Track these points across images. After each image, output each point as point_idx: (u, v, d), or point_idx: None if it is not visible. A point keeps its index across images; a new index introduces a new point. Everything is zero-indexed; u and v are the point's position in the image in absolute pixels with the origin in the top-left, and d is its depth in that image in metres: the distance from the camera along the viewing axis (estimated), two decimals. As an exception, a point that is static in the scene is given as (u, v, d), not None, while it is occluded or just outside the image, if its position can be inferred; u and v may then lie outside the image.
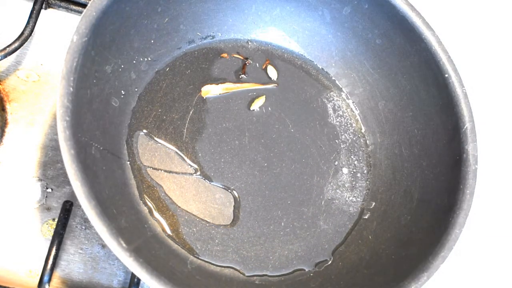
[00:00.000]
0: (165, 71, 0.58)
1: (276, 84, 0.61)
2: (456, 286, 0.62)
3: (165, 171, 0.54)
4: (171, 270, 0.47)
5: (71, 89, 0.41)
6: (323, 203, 0.57)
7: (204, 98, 0.58)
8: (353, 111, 0.63)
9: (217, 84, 0.57)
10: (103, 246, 0.52)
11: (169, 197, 0.53)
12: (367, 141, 0.62)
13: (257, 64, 0.62)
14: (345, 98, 0.64)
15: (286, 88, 0.62)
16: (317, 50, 0.64)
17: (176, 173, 0.54)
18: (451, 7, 0.77)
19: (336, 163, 0.60)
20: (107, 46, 0.48)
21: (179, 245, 0.51)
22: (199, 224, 0.53)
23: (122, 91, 0.53)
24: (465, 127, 0.52)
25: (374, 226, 0.57)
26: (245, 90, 0.60)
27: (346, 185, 0.59)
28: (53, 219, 0.52)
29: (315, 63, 0.64)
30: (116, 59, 0.51)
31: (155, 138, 0.54)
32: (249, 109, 0.59)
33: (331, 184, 0.58)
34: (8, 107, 0.55)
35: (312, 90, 0.63)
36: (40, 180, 0.53)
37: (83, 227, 0.53)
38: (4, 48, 0.53)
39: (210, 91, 0.54)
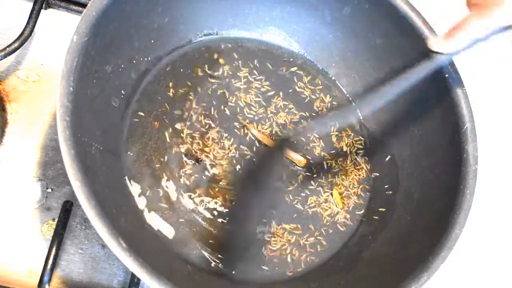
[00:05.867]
0: (165, 71, 0.58)
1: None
2: (456, 286, 0.62)
3: (166, 170, 0.54)
4: (171, 270, 0.47)
5: (71, 89, 0.41)
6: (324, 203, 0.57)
7: (204, 99, 0.58)
8: (353, 111, 0.63)
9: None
10: (103, 246, 0.52)
11: (169, 196, 0.53)
12: (368, 141, 0.62)
13: (256, 62, 0.62)
14: (345, 98, 0.64)
15: (286, 88, 0.62)
16: (317, 50, 0.64)
17: (176, 172, 0.54)
18: (451, 7, 0.77)
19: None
20: (107, 46, 0.48)
21: (179, 245, 0.51)
22: (199, 224, 0.53)
23: (122, 91, 0.53)
24: (465, 127, 0.52)
25: (374, 227, 0.57)
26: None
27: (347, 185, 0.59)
28: (53, 219, 0.52)
29: (315, 63, 0.64)
30: (116, 59, 0.51)
31: (156, 138, 0.54)
32: (247, 107, 0.59)
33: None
34: (8, 107, 0.55)
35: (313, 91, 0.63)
36: (40, 180, 0.53)
37: (83, 227, 0.53)
38: (4, 48, 0.53)
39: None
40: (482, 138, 0.54)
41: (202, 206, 0.53)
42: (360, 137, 0.62)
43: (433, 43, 0.47)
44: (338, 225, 0.57)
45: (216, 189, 0.55)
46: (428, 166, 0.56)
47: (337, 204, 0.57)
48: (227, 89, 0.60)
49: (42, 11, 0.59)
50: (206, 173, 0.55)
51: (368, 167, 0.61)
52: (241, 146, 0.57)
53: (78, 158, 0.39)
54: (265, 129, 0.59)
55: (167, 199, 0.53)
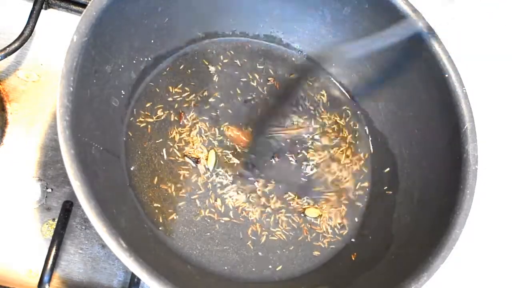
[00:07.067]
0: (165, 71, 0.58)
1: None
2: (456, 286, 0.62)
3: (165, 170, 0.54)
4: (171, 270, 0.47)
5: (71, 89, 0.41)
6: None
7: (205, 99, 0.58)
8: (353, 111, 0.63)
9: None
10: (103, 246, 0.52)
11: (169, 196, 0.53)
12: (368, 142, 0.62)
13: (256, 62, 0.62)
14: (345, 98, 0.64)
15: (286, 89, 0.62)
16: (317, 50, 0.64)
17: (176, 173, 0.54)
18: (451, 7, 0.77)
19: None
20: (107, 46, 0.48)
21: (179, 245, 0.51)
22: (199, 224, 0.53)
23: (122, 91, 0.53)
24: (465, 127, 0.52)
25: (374, 226, 0.57)
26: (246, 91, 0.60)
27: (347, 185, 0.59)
28: (53, 219, 0.52)
29: (315, 63, 0.64)
30: (116, 59, 0.51)
31: (155, 138, 0.54)
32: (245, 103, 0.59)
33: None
34: (8, 107, 0.55)
35: (313, 91, 0.63)
36: (40, 180, 0.53)
37: (83, 227, 0.53)
38: (4, 48, 0.53)
39: None
40: (482, 138, 0.54)
41: (203, 206, 0.53)
42: (360, 137, 0.62)
43: None
44: (337, 225, 0.57)
45: (216, 189, 0.55)
46: (428, 166, 0.56)
47: (336, 205, 0.57)
48: (228, 89, 0.60)
49: (42, 11, 0.59)
50: (206, 173, 0.55)
51: (368, 167, 0.61)
52: (240, 147, 0.57)
53: (78, 158, 0.39)
54: (265, 130, 0.59)
55: (167, 199, 0.53)
